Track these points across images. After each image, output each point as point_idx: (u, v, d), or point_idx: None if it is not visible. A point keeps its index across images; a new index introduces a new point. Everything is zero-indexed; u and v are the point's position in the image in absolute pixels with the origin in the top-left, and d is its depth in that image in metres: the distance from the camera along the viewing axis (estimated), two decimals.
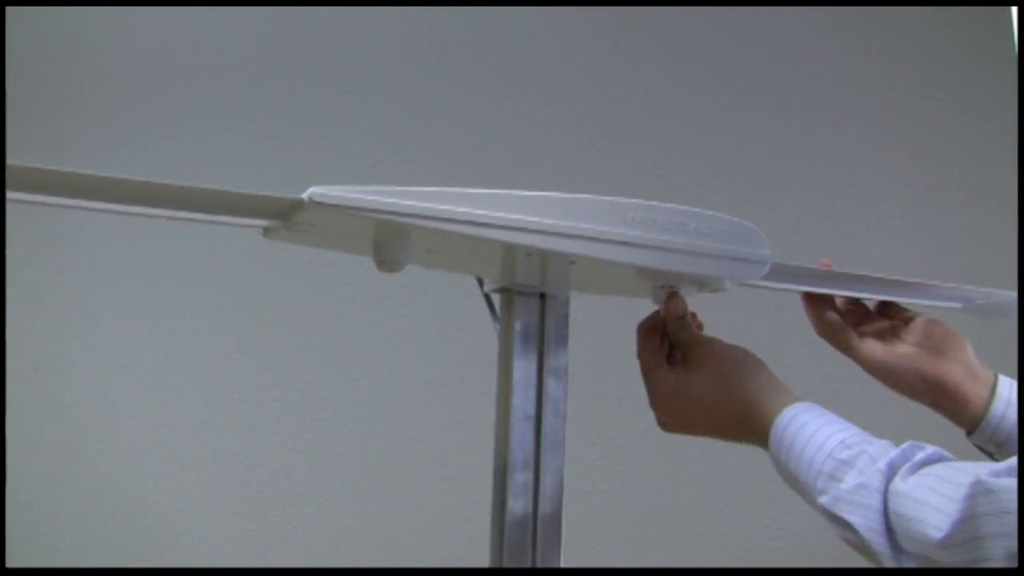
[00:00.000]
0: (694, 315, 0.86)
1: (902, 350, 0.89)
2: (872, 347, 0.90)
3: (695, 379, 0.80)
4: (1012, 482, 0.61)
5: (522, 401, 0.81)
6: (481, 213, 0.70)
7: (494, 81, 1.88)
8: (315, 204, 0.65)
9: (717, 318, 1.68)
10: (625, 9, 1.93)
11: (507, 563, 0.80)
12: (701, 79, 1.95)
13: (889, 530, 0.64)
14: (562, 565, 0.82)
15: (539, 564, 0.80)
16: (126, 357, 1.71)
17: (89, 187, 0.62)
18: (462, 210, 0.69)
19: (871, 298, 0.95)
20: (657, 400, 0.82)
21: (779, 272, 0.86)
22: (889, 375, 0.89)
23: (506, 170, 1.83)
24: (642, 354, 0.84)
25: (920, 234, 1.93)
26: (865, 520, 0.65)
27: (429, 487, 1.70)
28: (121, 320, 1.73)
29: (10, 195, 0.61)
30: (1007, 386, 0.86)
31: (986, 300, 1.01)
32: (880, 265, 1.08)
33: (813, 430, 0.72)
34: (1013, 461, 0.62)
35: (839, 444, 0.70)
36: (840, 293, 0.94)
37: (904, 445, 0.68)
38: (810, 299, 0.94)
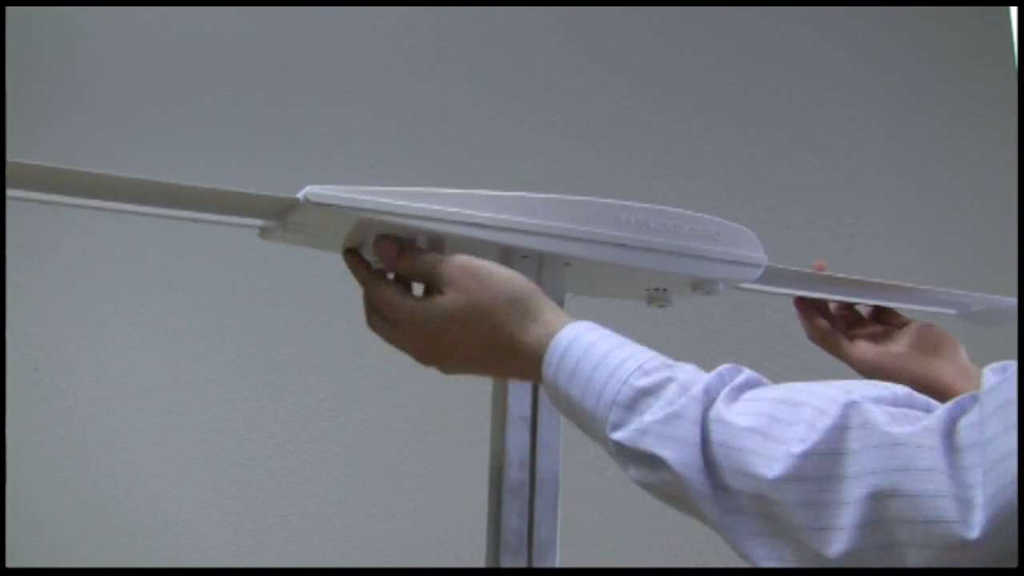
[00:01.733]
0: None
1: (894, 351, 0.90)
2: (863, 349, 0.91)
3: (449, 300, 0.66)
4: (895, 417, 0.50)
5: (517, 402, 0.81)
6: (476, 214, 0.70)
7: (493, 81, 1.89)
8: (310, 204, 0.65)
9: (712, 320, 1.69)
10: (624, 10, 1.94)
11: (503, 563, 0.80)
12: (698, 80, 1.95)
13: (708, 464, 0.55)
14: (558, 565, 0.82)
15: (535, 564, 0.81)
16: (125, 357, 1.72)
17: (87, 185, 0.63)
18: (457, 211, 0.69)
19: (865, 303, 0.96)
20: (410, 334, 0.69)
21: (773, 275, 0.86)
22: (880, 376, 0.89)
23: (504, 171, 1.84)
24: (379, 296, 0.70)
25: (917, 237, 1.92)
26: (680, 455, 0.55)
27: (426, 487, 1.70)
28: (120, 320, 1.73)
29: (9, 193, 0.61)
30: None
31: (981, 306, 1.01)
32: (876, 268, 1.08)
33: (604, 351, 0.61)
34: (899, 387, 0.54)
35: (637, 369, 0.59)
36: (834, 297, 0.94)
37: (720, 368, 0.59)
38: (801, 304, 0.95)
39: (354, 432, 1.72)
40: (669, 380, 0.58)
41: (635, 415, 0.58)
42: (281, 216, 0.69)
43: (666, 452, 0.55)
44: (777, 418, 0.53)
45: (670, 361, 0.60)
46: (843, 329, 0.94)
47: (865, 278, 0.93)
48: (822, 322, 0.93)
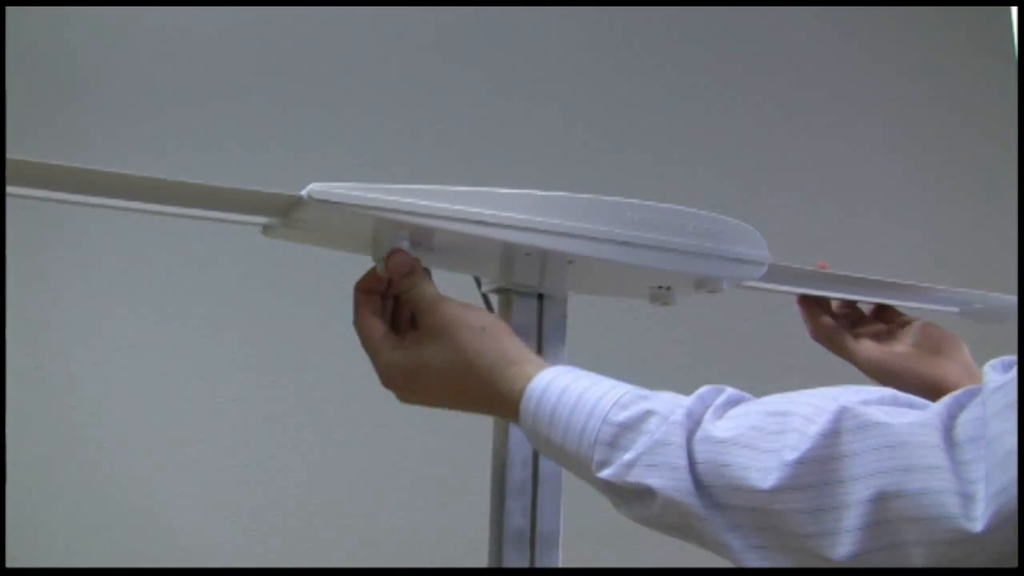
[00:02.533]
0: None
1: (899, 350, 0.90)
2: (868, 348, 0.90)
3: (430, 351, 0.68)
4: (891, 417, 0.50)
5: None
6: (479, 212, 0.70)
7: (494, 81, 1.89)
8: (314, 201, 0.65)
9: (714, 318, 1.68)
10: (625, 9, 1.94)
11: (506, 563, 0.80)
12: (701, 79, 1.95)
13: (700, 485, 0.54)
14: (560, 565, 0.82)
15: (538, 564, 0.81)
16: (126, 357, 1.71)
17: (88, 182, 0.63)
18: (460, 208, 0.69)
19: (868, 301, 0.96)
20: (388, 378, 0.71)
21: (777, 273, 0.86)
22: (886, 375, 0.89)
23: (505, 170, 1.84)
24: (362, 324, 0.71)
25: (919, 235, 1.93)
26: (670, 481, 0.54)
27: (428, 487, 1.70)
28: (121, 320, 1.73)
29: (10, 190, 0.61)
30: None
31: (984, 304, 1.01)
32: (878, 267, 1.08)
33: (578, 393, 0.61)
34: (883, 390, 0.54)
35: (614, 405, 0.58)
36: (837, 296, 0.94)
37: (701, 390, 0.58)
38: (805, 302, 0.95)
39: (354, 432, 1.71)
40: (648, 412, 0.57)
41: (619, 451, 0.57)
42: (284, 213, 0.69)
43: (655, 481, 0.55)
44: (765, 430, 0.53)
45: (646, 392, 0.60)
46: (846, 327, 0.94)
47: (868, 276, 0.93)
48: (826, 320, 0.93)
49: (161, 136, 1.79)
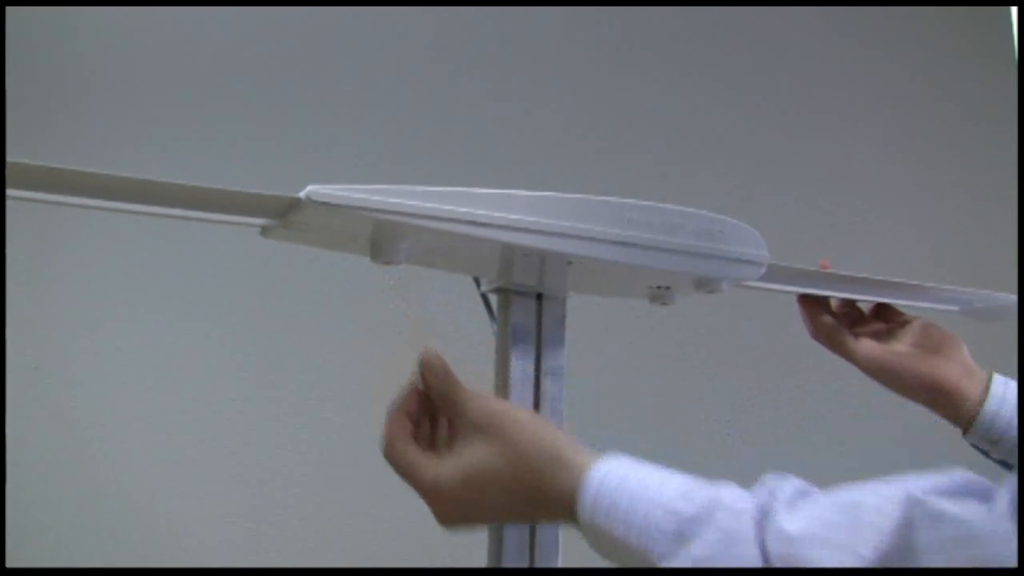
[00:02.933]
0: None
1: (899, 349, 0.90)
2: (868, 347, 0.90)
3: (479, 451, 0.63)
4: (964, 508, 0.49)
5: (519, 401, 0.81)
6: (478, 213, 0.70)
7: (494, 81, 1.89)
8: (312, 203, 0.65)
9: (714, 318, 1.68)
10: (625, 9, 1.94)
11: (505, 563, 0.80)
12: (700, 79, 1.95)
13: None
14: (560, 565, 0.82)
15: (537, 564, 0.80)
16: (126, 357, 1.71)
17: (88, 185, 0.63)
18: (459, 210, 0.69)
19: (868, 300, 0.96)
20: (436, 497, 0.64)
21: (776, 273, 0.86)
22: (886, 374, 0.89)
23: (505, 171, 1.84)
24: (394, 451, 0.66)
25: (918, 235, 1.92)
26: None
27: None
28: (121, 320, 1.73)
29: (10, 193, 0.61)
30: (1001, 384, 0.86)
31: (984, 303, 1.01)
32: (878, 266, 1.08)
33: (639, 482, 0.58)
34: (954, 474, 0.52)
35: (679, 496, 0.56)
36: (836, 295, 0.94)
37: (766, 480, 0.56)
38: (805, 301, 0.94)
39: (354, 432, 1.71)
40: (716, 503, 0.54)
41: (685, 544, 0.54)
42: (283, 215, 0.69)
43: None
44: (839, 524, 0.51)
45: (708, 483, 0.57)
46: (846, 327, 0.94)
47: (868, 275, 0.93)
48: (826, 319, 0.93)
49: (162, 137, 1.79)
